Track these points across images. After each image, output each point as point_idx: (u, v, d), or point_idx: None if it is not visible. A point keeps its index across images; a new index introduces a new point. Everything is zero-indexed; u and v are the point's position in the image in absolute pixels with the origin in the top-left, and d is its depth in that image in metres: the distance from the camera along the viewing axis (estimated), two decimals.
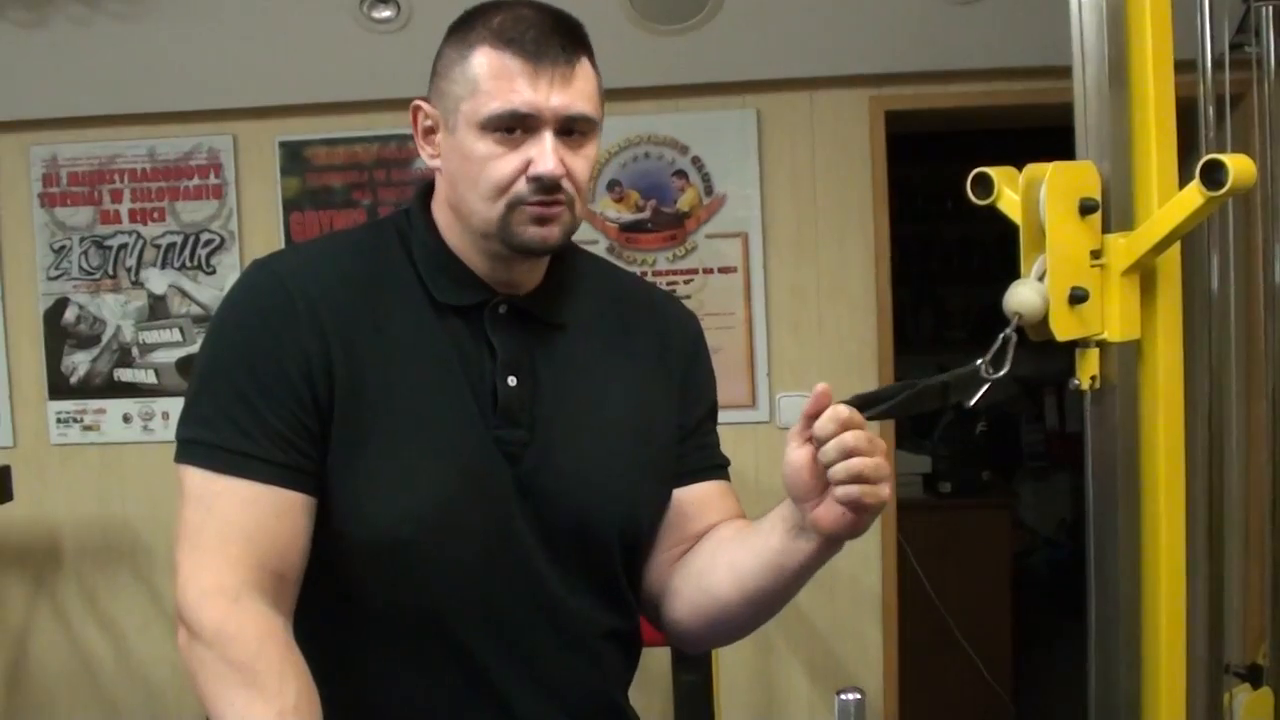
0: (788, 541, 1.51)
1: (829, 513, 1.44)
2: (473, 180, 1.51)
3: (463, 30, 1.52)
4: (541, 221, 1.50)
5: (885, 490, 1.41)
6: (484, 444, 1.54)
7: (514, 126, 1.48)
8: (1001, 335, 1.38)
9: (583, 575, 1.60)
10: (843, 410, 1.39)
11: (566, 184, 1.50)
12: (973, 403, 1.41)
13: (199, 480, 1.48)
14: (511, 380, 1.56)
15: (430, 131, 1.58)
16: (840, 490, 1.41)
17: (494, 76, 1.47)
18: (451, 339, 1.56)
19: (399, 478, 1.51)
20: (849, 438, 1.38)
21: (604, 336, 1.66)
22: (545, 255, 1.58)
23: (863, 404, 1.42)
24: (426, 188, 1.63)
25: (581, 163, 1.52)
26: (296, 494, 1.48)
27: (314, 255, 1.64)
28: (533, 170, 1.48)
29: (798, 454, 1.44)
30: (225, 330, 1.55)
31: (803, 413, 1.42)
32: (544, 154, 1.48)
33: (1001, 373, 1.39)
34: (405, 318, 1.55)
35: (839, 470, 1.39)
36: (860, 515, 1.43)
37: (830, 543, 1.48)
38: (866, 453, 1.39)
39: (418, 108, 1.58)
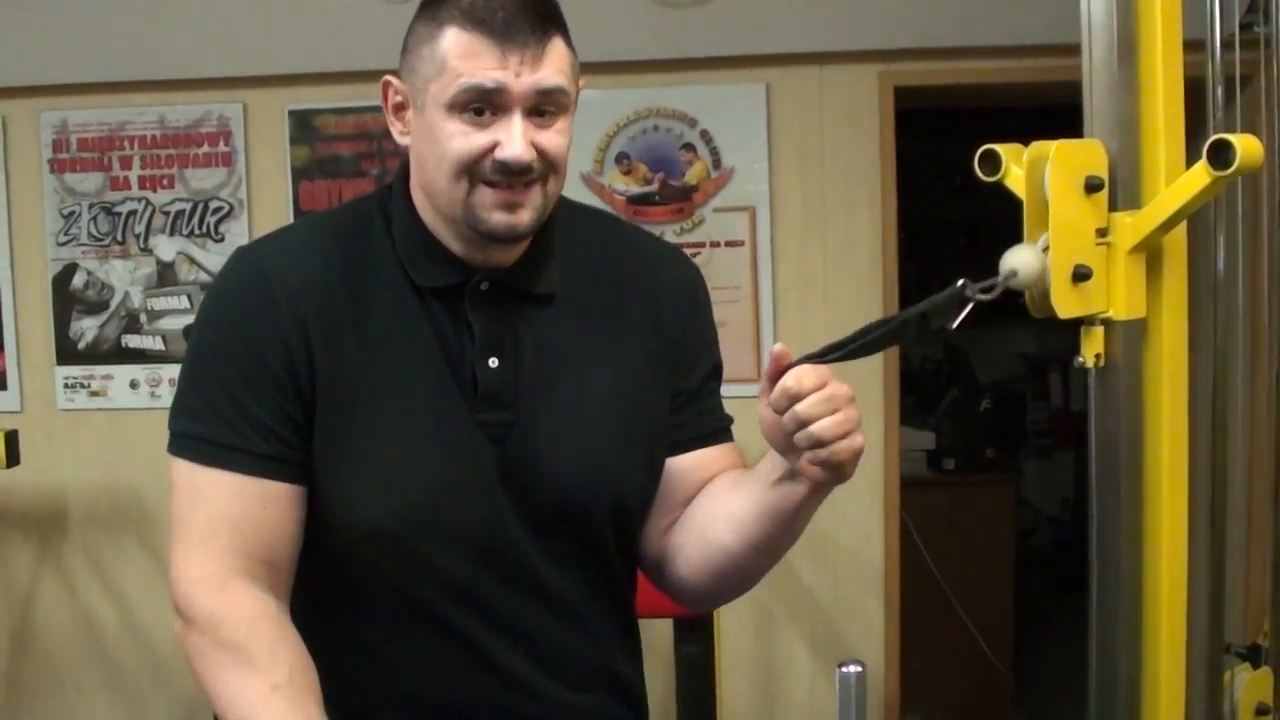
0: (782, 486, 1.51)
1: (809, 468, 1.45)
2: (439, 160, 1.48)
3: (433, 6, 1.48)
4: (510, 207, 1.47)
5: (856, 440, 1.42)
6: (467, 429, 1.53)
7: (483, 108, 1.44)
8: (992, 280, 1.37)
9: (573, 553, 1.60)
10: (789, 382, 1.39)
11: (538, 163, 1.47)
12: (954, 325, 1.41)
13: (187, 473, 1.52)
14: (493, 362, 1.54)
15: (400, 108, 1.54)
16: (807, 455, 1.42)
17: (462, 57, 1.43)
18: (432, 323, 1.54)
19: (382, 469, 1.51)
20: (800, 409, 1.39)
21: (593, 306, 1.63)
22: (516, 241, 1.55)
23: (828, 351, 1.40)
24: (408, 163, 1.59)
25: (555, 137, 1.48)
26: (282, 484, 1.50)
27: (295, 242, 1.61)
28: (499, 154, 1.44)
29: (766, 414, 1.45)
30: (208, 323, 1.56)
31: (764, 375, 1.43)
32: (512, 137, 1.44)
33: (983, 296, 1.37)
34: (387, 302, 1.53)
35: (800, 439, 1.41)
36: (837, 469, 1.44)
37: (819, 487, 1.49)
38: (821, 416, 1.39)
39: (388, 83, 1.55)
